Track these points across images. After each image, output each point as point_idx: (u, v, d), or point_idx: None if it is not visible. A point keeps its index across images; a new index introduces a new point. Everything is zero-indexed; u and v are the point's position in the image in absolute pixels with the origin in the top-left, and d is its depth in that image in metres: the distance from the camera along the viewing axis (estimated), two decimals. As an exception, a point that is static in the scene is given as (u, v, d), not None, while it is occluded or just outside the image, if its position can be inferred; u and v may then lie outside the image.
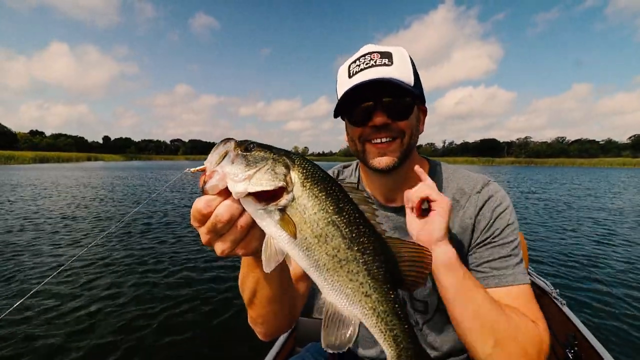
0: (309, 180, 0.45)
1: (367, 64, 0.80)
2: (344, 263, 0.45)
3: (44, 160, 63.78)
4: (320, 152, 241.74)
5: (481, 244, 0.83)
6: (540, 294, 1.86)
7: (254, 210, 0.46)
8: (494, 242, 0.82)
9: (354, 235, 0.45)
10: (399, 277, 0.49)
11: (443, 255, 0.72)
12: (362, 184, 0.99)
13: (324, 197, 0.45)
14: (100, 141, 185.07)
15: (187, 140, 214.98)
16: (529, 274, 1.36)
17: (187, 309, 3.50)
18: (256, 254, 0.52)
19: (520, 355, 0.67)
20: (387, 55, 0.80)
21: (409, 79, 0.79)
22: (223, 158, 0.46)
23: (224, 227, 0.47)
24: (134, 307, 3.45)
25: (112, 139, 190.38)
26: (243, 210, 0.47)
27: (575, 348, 1.39)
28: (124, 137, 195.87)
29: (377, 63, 0.79)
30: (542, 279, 1.94)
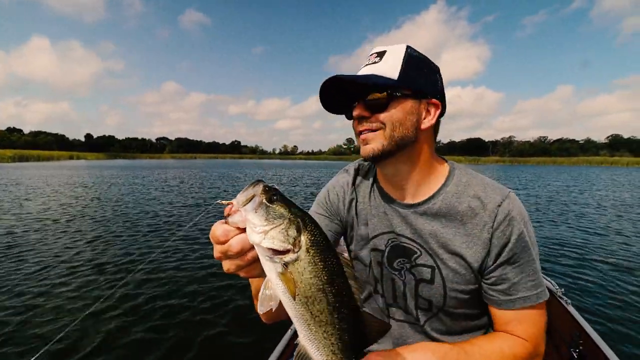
0: (314, 248, 0.52)
1: (364, 64, 0.88)
2: (323, 324, 0.53)
3: (23, 158, 61.77)
4: (310, 151, 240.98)
5: (497, 265, 0.83)
6: None
7: (262, 254, 0.53)
8: (511, 263, 0.82)
9: (337, 305, 0.53)
10: (361, 345, 0.60)
11: None
12: (377, 178, 1.03)
13: (322, 266, 0.52)
14: (83, 139, 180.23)
15: (173, 139, 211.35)
16: None
17: (186, 307, 3.48)
18: (257, 277, 0.59)
19: None
20: (381, 54, 0.86)
21: (393, 73, 0.81)
22: (249, 201, 0.52)
23: (233, 255, 0.55)
24: (134, 308, 3.39)
25: (95, 137, 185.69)
26: (253, 247, 0.54)
27: (580, 347, 1.39)
28: (107, 135, 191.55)
29: (370, 62, 0.86)
30: (547, 278, 1.94)
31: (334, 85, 0.83)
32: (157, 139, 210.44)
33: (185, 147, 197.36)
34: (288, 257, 0.51)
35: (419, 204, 0.91)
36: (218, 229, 0.54)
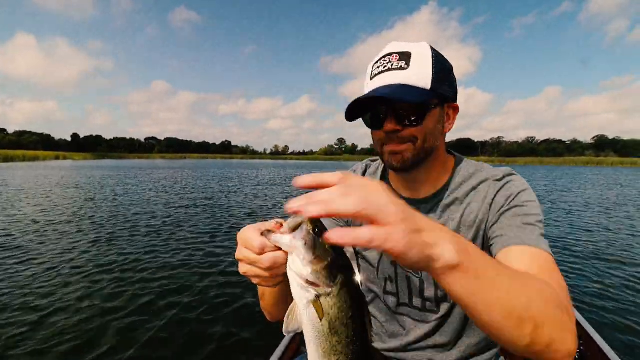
0: (347, 286, 0.55)
1: (385, 66, 0.80)
2: (336, 353, 0.56)
3: (7, 159, 60.21)
4: (301, 151, 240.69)
5: (499, 218, 0.80)
6: None
7: (296, 281, 0.54)
8: (514, 212, 0.78)
9: (354, 338, 0.57)
10: None
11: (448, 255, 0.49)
12: (387, 177, 1.02)
13: (349, 303, 0.56)
14: (69, 139, 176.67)
15: (162, 139, 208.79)
16: None
17: (188, 307, 3.48)
18: (269, 287, 0.60)
19: (557, 323, 0.52)
20: (406, 57, 0.79)
21: (425, 82, 0.78)
22: (297, 228, 0.53)
23: (259, 267, 0.54)
24: (134, 307, 3.40)
25: (82, 136, 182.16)
26: (282, 266, 0.54)
27: (582, 348, 1.39)
28: (94, 134, 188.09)
29: (394, 67, 0.79)
30: None
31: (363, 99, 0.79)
32: (145, 139, 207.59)
33: (175, 147, 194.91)
34: (322, 291, 0.54)
35: (428, 199, 0.91)
36: (255, 240, 0.53)
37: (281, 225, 0.55)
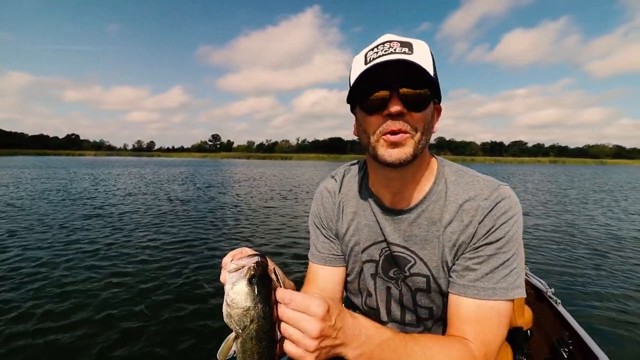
0: (257, 337, 0.60)
1: (386, 51, 0.75)
2: None
3: None
4: (170, 147, 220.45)
5: (473, 249, 0.80)
6: (534, 293, 1.86)
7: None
8: (492, 249, 0.78)
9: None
10: None
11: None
12: (368, 183, 0.96)
13: (258, 345, 0.60)
14: None
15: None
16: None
17: (185, 307, 3.31)
18: None
19: None
20: (408, 45, 0.76)
21: (430, 71, 0.73)
22: (237, 270, 0.60)
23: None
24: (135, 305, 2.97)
25: None
26: None
27: (570, 347, 1.38)
28: None
29: (397, 51, 0.75)
30: (537, 278, 1.93)
31: (373, 74, 0.73)
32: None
33: (0, 140, 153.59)
34: (236, 331, 0.60)
35: (410, 210, 0.87)
36: (221, 273, 0.70)
37: (237, 254, 0.67)
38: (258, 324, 0.59)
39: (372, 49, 0.78)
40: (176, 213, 8.43)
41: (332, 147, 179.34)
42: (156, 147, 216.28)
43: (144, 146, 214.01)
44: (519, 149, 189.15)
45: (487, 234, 0.78)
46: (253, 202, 10.79)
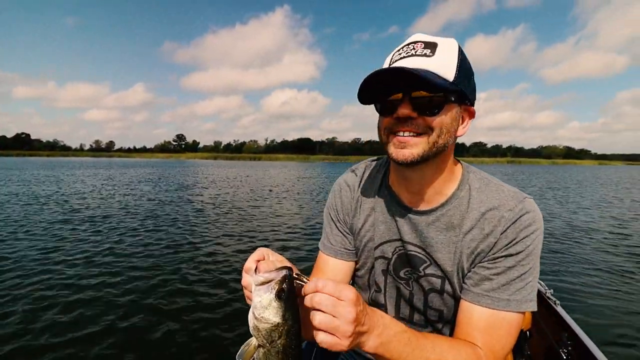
0: (284, 352, 0.60)
1: (407, 52, 0.76)
2: None
3: None
4: (132, 147, 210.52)
5: (492, 259, 0.79)
6: None
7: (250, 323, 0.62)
8: (511, 261, 0.77)
9: None
10: None
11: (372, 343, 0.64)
12: (388, 180, 0.96)
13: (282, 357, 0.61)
14: None
15: None
16: None
17: (185, 306, 3.36)
18: None
19: None
20: (431, 46, 0.75)
21: (449, 74, 0.73)
22: (265, 283, 0.60)
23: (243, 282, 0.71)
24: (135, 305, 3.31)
25: None
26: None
27: (569, 348, 1.38)
28: None
29: (418, 53, 0.75)
30: None
31: (379, 75, 0.73)
32: None
33: None
34: (260, 342, 0.60)
35: (430, 211, 0.86)
36: (248, 261, 0.69)
37: (263, 263, 0.66)
38: (286, 340, 0.59)
39: (399, 50, 0.79)
40: (155, 216, 8.23)
41: (301, 148, 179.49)
42: (116, 147, 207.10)
43: (103, 146, 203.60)
44: (479, 150, 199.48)
45: (507, 246, 0.78)
46: (233, 203, 10.82)
